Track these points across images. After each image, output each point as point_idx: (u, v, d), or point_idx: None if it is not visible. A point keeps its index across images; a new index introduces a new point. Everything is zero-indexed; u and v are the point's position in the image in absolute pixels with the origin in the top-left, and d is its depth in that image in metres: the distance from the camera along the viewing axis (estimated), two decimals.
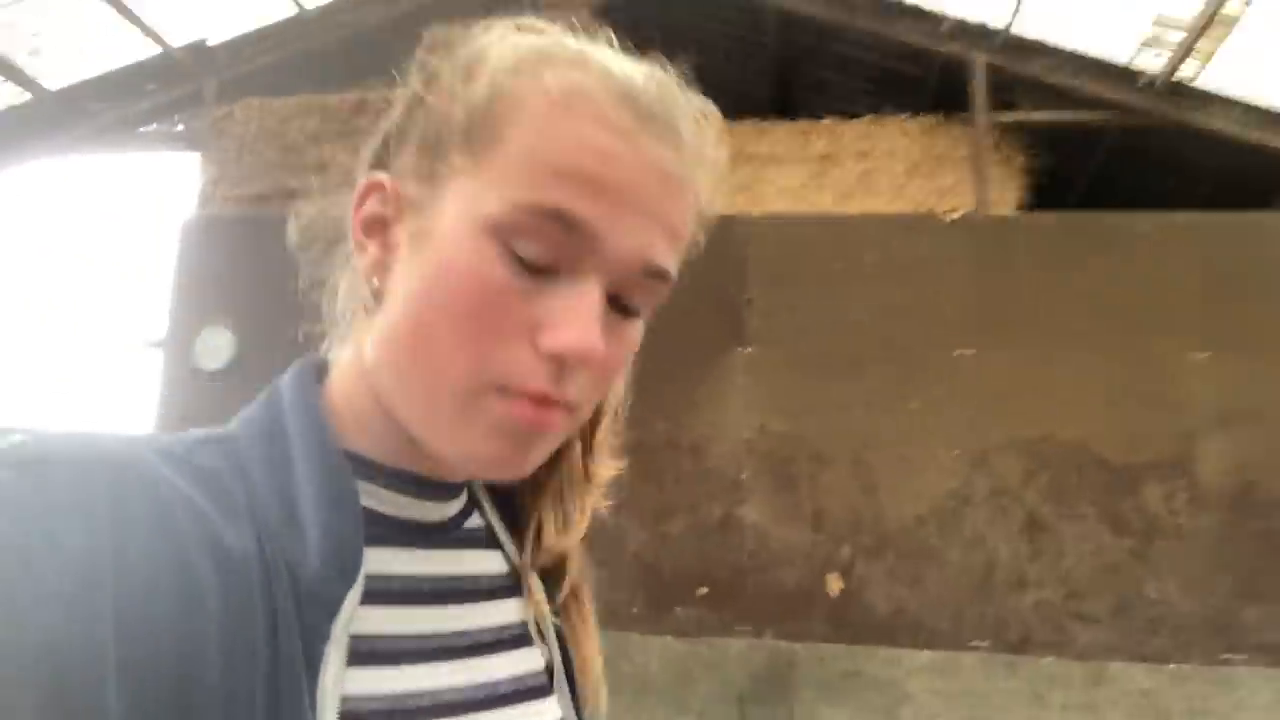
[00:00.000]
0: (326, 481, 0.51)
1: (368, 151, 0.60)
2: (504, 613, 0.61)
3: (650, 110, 0.51)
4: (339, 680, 0.48)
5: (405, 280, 0.52)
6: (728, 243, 5.64)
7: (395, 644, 0.53)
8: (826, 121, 5.97)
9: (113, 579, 0.41)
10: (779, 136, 6.14)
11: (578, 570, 0.66)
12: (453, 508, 0.61)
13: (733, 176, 6.13)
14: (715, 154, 0.56)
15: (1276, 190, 5.58)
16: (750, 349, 5.30)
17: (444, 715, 0.53)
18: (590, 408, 0.55)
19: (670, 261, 0.53)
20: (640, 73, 0.53)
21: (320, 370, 0.60)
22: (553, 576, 0.65)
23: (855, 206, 5.60)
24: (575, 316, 0.50)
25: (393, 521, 0.56)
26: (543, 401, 0.50)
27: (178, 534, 0.45)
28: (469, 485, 0.63)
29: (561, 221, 0.49)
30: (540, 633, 0.63)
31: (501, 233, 0.49)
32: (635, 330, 0.55)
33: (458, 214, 0.51)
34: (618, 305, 0.53)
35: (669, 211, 0.52)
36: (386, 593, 0.54)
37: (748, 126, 6.12)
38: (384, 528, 0.55)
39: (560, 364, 0.50)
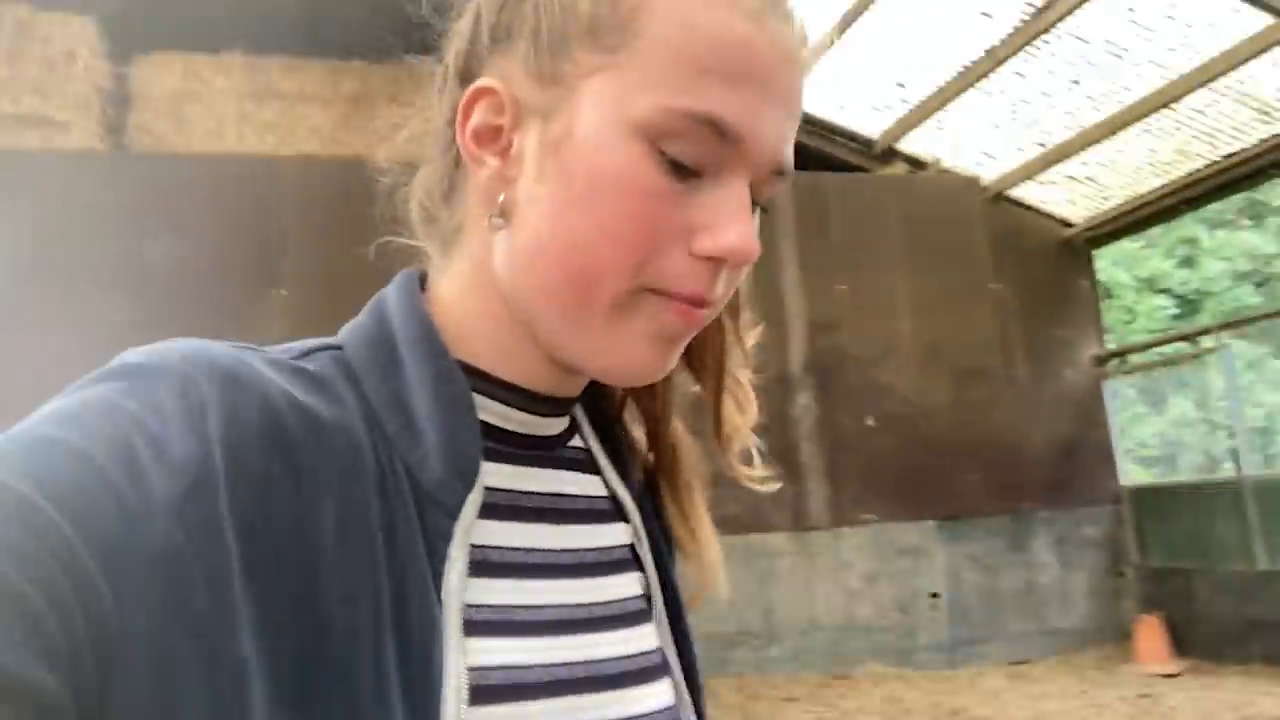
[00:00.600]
0: (441, 387, 0.51)
1: (451, 55, 0.57)
2: (606, 536, 0.60)
3: None
4: (462, 584, 0.48)
5: (544, 190, 0.51)
6: (260, 181, 5.68)
7: (505, 556, 0.53)
8: (357, 63, 6.06)
9: (225, 486, 0.41)
10: (310, 75, 6.16)
11: (691, 464, 0.67)
12: (558, 425, 0.60)
13: (262, 113, 6.13)
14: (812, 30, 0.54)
15: None
16: (284, 291, 5.43)
17: (548, 633, 0.53)
18: (720, 305, 0.54)
19: (792, 158, 0.53)
20: None
21: (423, 282, 0.59)
22: (666, 473, 0.66)
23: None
24: (732, 218, 0.50)
25: (500, 434, 0.56)
26: (698, 303, 0.51)
27: (289, 439, 0.45)
28: (570, 408, 0.61)
29: (714, 127, 0.48)
30: (638, 560, 0.62)
31: (651, 135, 0.48)
32: (757, 226, 0.54)
33: (600, 117, 0.49)
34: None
35: (796, 96, 0.52)
36: (500, 507, 0.54)
37: (275, 63, 6.06)
38: (495, 441, 0.55)
39: (717, 265, 0.50)
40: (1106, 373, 7.35)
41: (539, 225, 0.51)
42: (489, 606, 0.50)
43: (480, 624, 0.49)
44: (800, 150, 0.55)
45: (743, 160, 0.50)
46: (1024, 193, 7.35)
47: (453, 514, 0.49)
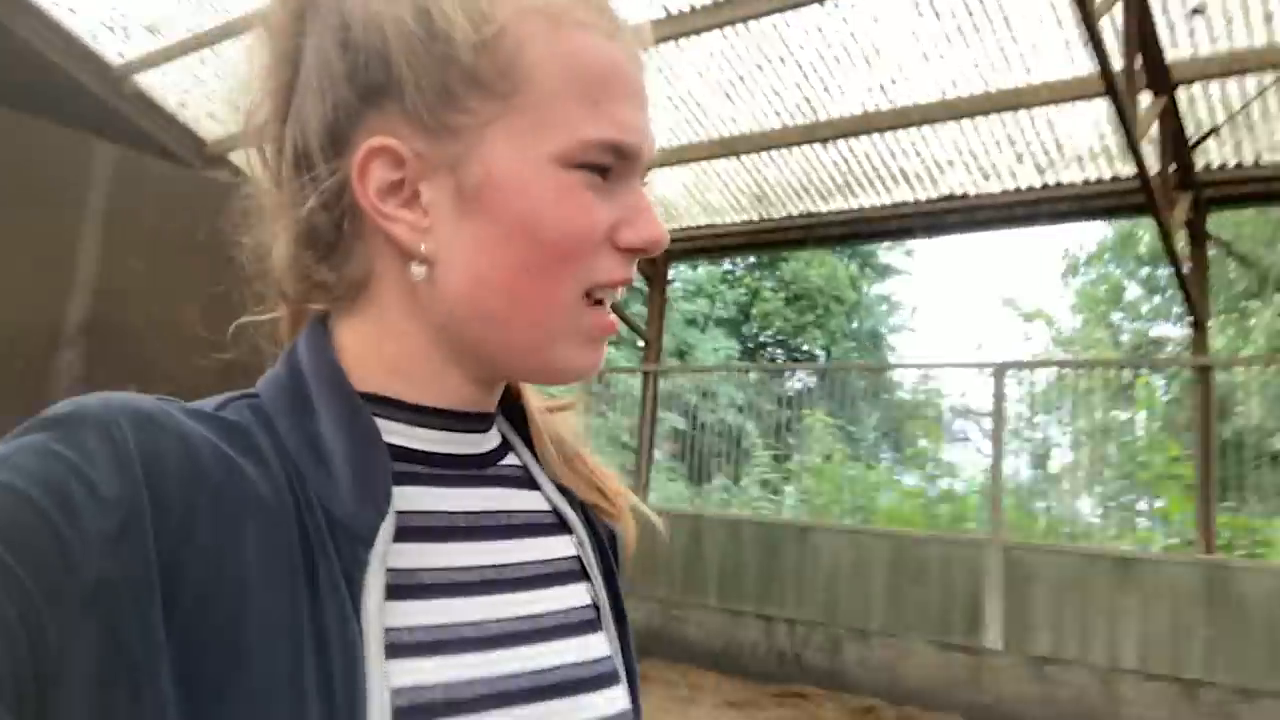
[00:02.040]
0: (349, 421, 0.53)
1: (300, 133, 0.56)
2: (550, 548, 0.61)
3: (603, 6, 0.56)
4: (380, 609, 0.49)
5: (471, 232, 0.53)
6: None
7: (434, 577, 0.54)
8: None
9: (150, 522, 0.43)
10: None
11: (570, 432, 0.69)
12: (486, 442, 0.62)
13: None
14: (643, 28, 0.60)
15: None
16: None
17: (490, 648, 0.54)
18: None
19: None
20: None
21: (328, 329, 0.59)
22: (555, 449, 0.67)
23: None
24: (646, 213, 0.56)
25: (426, 456, 0.57)
26: (622, 287, 0.58)
27: (207, 477, 0.46)
28: (499, 426, 0.64)
29: (618, 149, 0.54)
30: (585, 571, 0.63)
31: (568, 161, 0.53)
32: None
33: (516, 158, 0.53)
34: None
35: (645, 90, 0.58)
36: (423, 529, 0.55)
37: None
38: (417, 464, 0.57)
39: (634, 254, 0.57)
40: None
41: (473, 263, 0.54)
42: (414, 628, 0.51)
43: (409, 646, 0.50)
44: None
45: (637, 164, 0.57)
46: None
47: (367, 540, 0.50)
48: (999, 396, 6.17)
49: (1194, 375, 5.78)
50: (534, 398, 0.68)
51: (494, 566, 0.57)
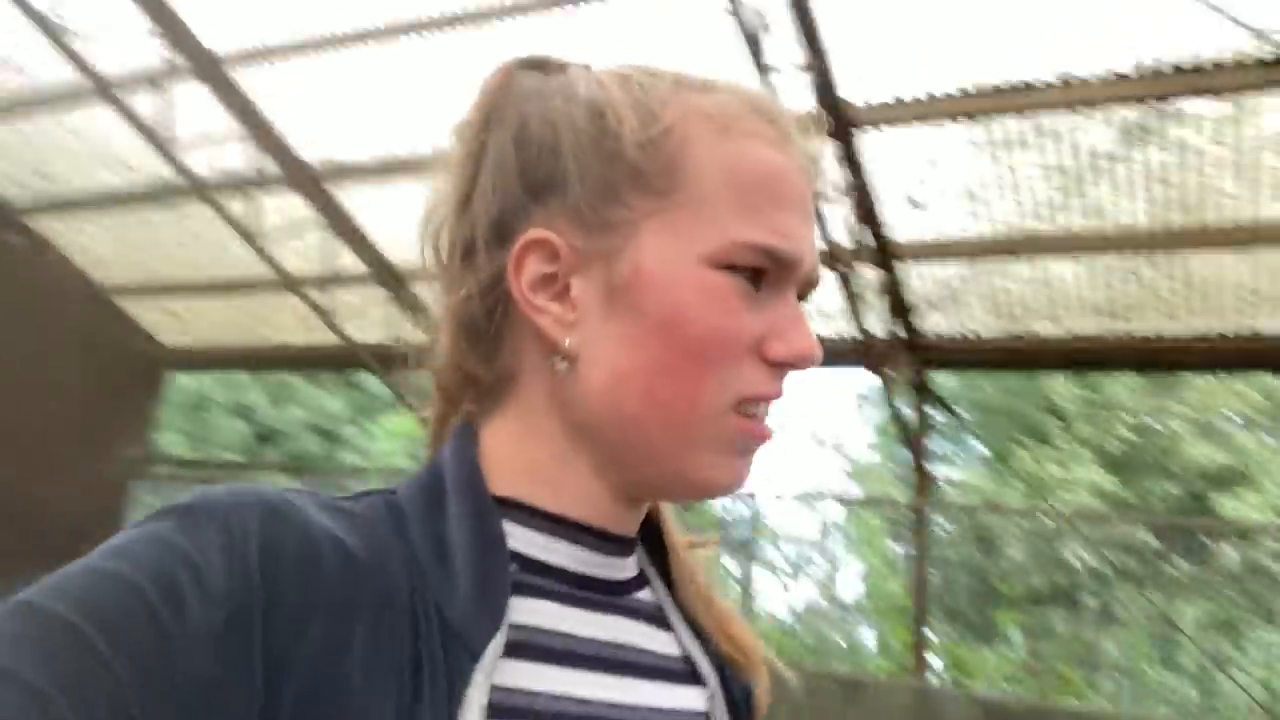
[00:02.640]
0: (474, 519, 0.52)
1: (472, 227, 0.57)
2: (674, 698, 0.57)
3: (777, 117, 0.56)
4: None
5: (616, 329, 0.53)
6: None
7: (543, 703, 0.51)
8: None
9: (259, 617, 0.43)
10: None
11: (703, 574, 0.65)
12: (622, 568, 0.59)
13: None
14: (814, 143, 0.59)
15: None
16: None
17: None
18: None
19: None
20: (745, 86, 0.57)
21: (476, 436, 0.59)
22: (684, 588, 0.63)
23: None
24: (796, 325, 0.55)
25: (558, 572, 0.55)
26: (769, 402, 0.55)
27: (324, 572, 0.46)
28: (637, 557, 0.61)
29: (772, 255, 0.53)
30: None
31: (720, 263, 0.53)
32: None
33: (667, 254, 0.53)
34: None
35: (813, 207, 0.58)
36: (542, 649, 0.52)
37: None
38: (548, 578, 0.55)
39: (784, 370, 0.55)
40: (142, 472, 8.08)
41: (616, 360, 0.53)
42: None
43: None
44: None
45: (793, 274, 0.55)
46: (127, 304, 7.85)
47: (475, 653, 0.48)
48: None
49: (914, 516, 6.41)
50: (676, 530, 0.65)
51: (610, 704, 0.54)
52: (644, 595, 0.61)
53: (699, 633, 0.61)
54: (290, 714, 0.43)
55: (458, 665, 0.48)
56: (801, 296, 0.58)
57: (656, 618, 0.60)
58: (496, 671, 0.49)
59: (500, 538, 0.53)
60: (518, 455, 0.57)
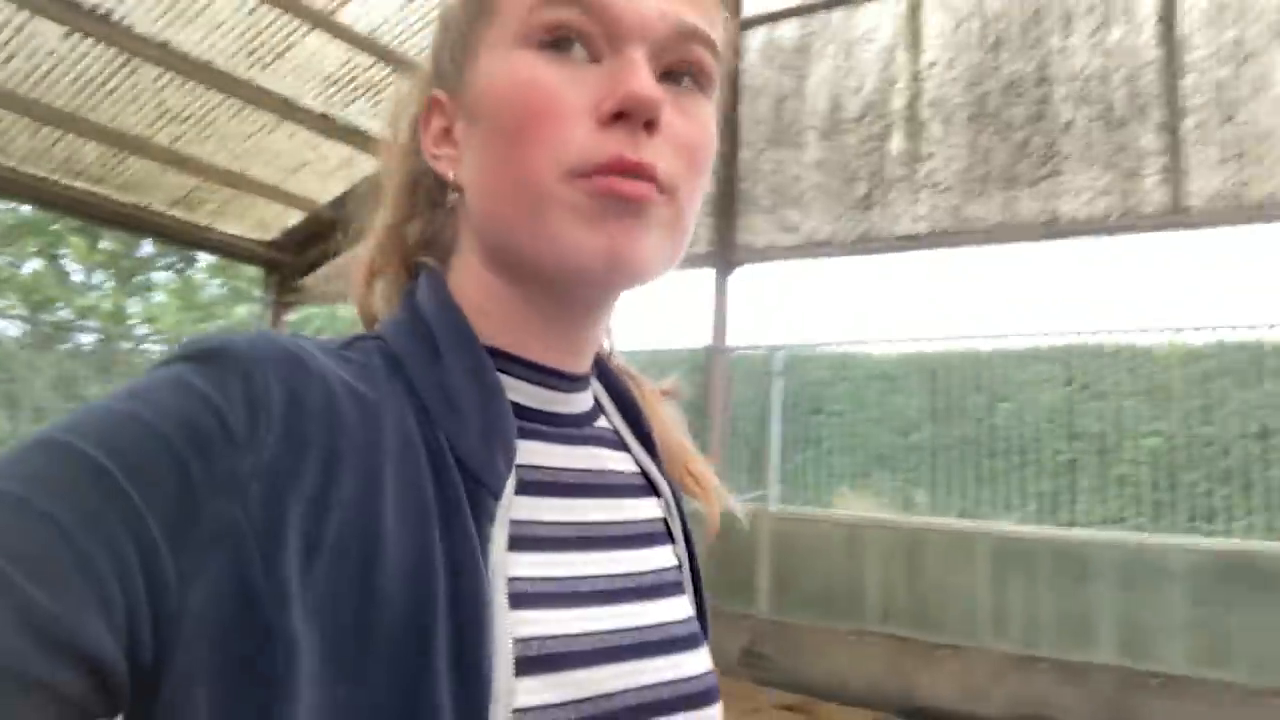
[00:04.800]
0: (477, 372, 0.54)
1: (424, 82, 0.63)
2: (642, 509, 0.63)
3: None
4: (503, 559, 0.49)
5: (475, 146, 0.55)
6: None
7: (548, 530, 0.55)
8: None
9: (287, 466, 0.43)
10: None
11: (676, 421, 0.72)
12: (582, 402, 0.62)
13: None
14: None
15: None
16: None
17: (599, 603, 0.55)
18: (689, 191, 0.54)
19: (707, 27, 0.54)
20: None
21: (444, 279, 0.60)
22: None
23: None
24: (627, 75, 0.51)
25: (533, 413, 0.58)
26: (624, 169, 0.50)
27: (347, 421, 0.47)
28: (593, 390, 0.64)
29: (581, 3, 0.51)
30: (670, 533, 0.65)
31: (527, 40, 0.52)
32: (703, 103, 0.55)
33: (491, 60, 0.54)
34: (672, 79, 0.54)
35: None
36: (535, 483, 0.55)
37: None
38: (527, 419, 0.57)
39: (627, 124, 0.51)
40: None
41: (477, 174, 0.55)
42: (533, 579, 0.52)
43: (527, 596, 0.51)
44: None
45: (628, 32, 0.51)
46: None
47: (496, 494, 0.51)
48: None
49: None
50: (642, 380, 0.71)
51: (596, 524, 0.58)
52: (602, 423, 0.65)
53: (652, 453, 0.67)
54: (324, 562, 0.43)
55: (483, 504, 0.50)
56: (676, 61, 0.54)
57: (615, 441, 0.65)
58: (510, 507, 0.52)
59: (500, 386, 0.55)
60: (482, 302, 0.58)
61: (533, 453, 0.57)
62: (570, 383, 0.61)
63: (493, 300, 0.58)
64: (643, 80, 0.51)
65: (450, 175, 0.58)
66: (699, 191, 0.56)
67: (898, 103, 6.30)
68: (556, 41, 0.52)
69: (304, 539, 0.43)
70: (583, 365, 0.62)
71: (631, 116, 0.51)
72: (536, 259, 0.54)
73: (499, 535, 0.50)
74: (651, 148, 0.52)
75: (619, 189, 0.51)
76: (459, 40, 0.58)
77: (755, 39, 6.93)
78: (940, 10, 6.23)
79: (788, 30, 6.81)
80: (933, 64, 6.20)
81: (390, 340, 0.56)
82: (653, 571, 0.61)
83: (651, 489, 0.65)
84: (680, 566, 0.64)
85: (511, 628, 0.48)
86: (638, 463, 0.65)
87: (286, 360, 0.47)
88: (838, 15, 6.60)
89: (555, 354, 0.59)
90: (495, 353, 0.57)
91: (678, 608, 0.61)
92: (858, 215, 6.34)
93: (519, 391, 0.58)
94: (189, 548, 0.39)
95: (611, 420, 0.66)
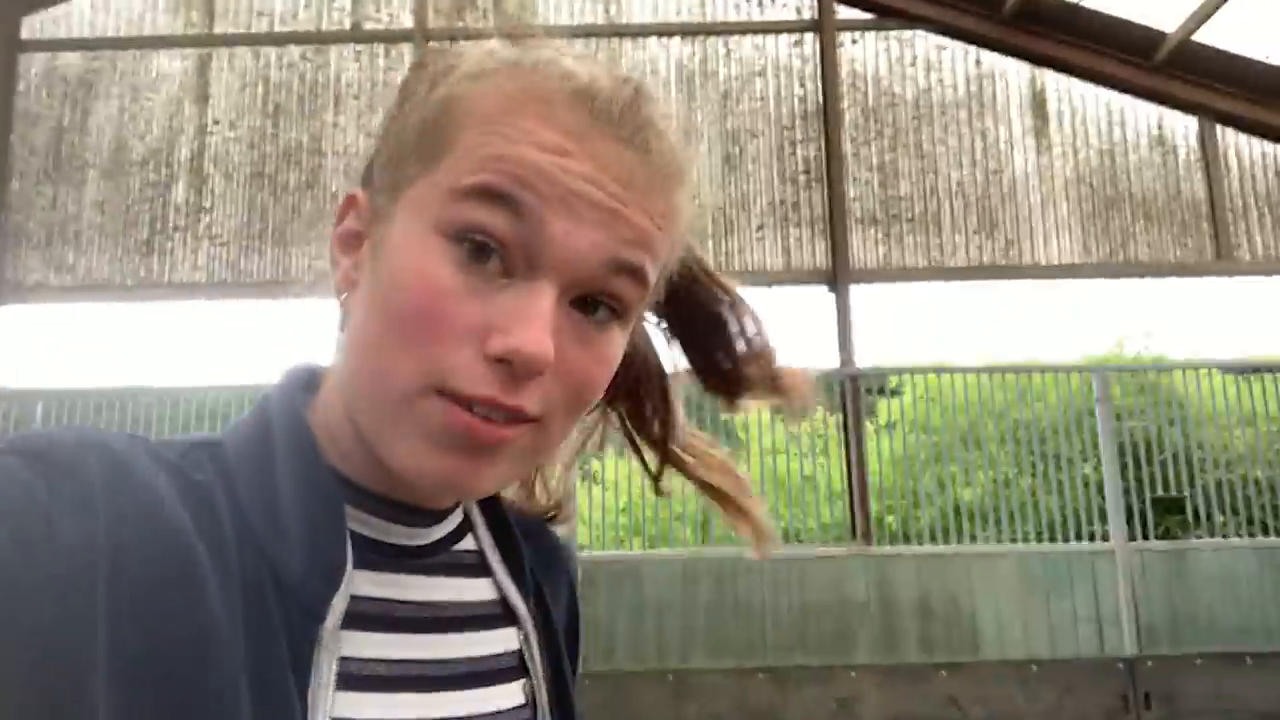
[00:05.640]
0: (309, 496, 0.51)
1: (360, 173, 0.58)
2: (488, 643, 0.58)
3: (608, 111, 0.49)
4: (328, 694, 0.47)
5: (365, 292, 0.52)
6: None
7: (379, 668, 0.52)
8: None
9: (108, 570, 0.42)
10: None
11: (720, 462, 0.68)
12: (435, 533, 0.58)
13: None
14: (688, 163, 0.54)
15: None
16: None
17: None
18: (564, 421, 0.51)
19: (641, 259, 0.50)
20: (609, 78, 0.51)
21: (313, 383, 0.58)
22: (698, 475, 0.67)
23: None
24: (522, 318, 0.46)
25: (373, 544, 0.55)
26: (491, 407, 0.47)
27: (173, 531, 0.45)
28: (465, 507, 0.61)
29: (502, 201, 0.47)
30: (526, 668, 0.60)
31: (449, 228, 0.48)
32: (611, 337, 0.51)
33: (410, 219, 0.50)
34: (588, 307, 0.50)
35: (631, 212, 0.49)
36: (369, 616, 0.52)
37: None
38: (365, 550, 0.54)
39: (509, 369, 0.47)
40: None
41: (356, 323, 0.52)
42: None
43: None
44: None
45: (552, 257, 0.48)
46: None
47: (318, 615, 0.48)
48: None
49: None
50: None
51: (435, 662, 0.54)
52: (465, 544, 0.60)
53: (518, 576, 0.62)
54: (129, 684, 0.41)
55: (302, 631, 0.48)
56: (595, 299, 0.50)
57: (473, 566, 0.60)
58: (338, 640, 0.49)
59: (338, 509, 0.52)
60: (328, 420, 0.55)
61: (367, 582, 0.53)
62: (425, 517, 0.57)
63: (345, 434, 0.54)
64: (536, 336, 0.46)
65: (341, 295, 0.55)
66: (575, 419, 0.53)
67: (183, 153, 6.49)
68: (476, 246, 0.48)
69: (111, 654, 0.41)
70: (441, 501, 0.58)
71: (514, 368, 0.47)
72: (376, 450, 0.51)
73: (324, 662, 0.48)
74: (533, 386, 0.48)
75: (476, 433, 0.47)
76: (396, 155, 0.53)
77: (37, 64, 6.57)
78: (228, 70, 6.58)
79: (73, 61, 6.59)
80: (218, 121, 6.52)
81: (229, 450, 0.53)
82: (490, 714, 0.56)
83: (509, 619, 0.60)
84: (532, 705, 0.59)
85: None
86: (499, 588, 0.60)
87: (113, 464, 0.46)
88: (128, 56, 6.59)
89: (404, 490, 0.55)
90: (340, 478, 0.54)
91: None
92: (138, 260, 6.38)
93: (357, 520, 0.54)
94: (6, 651, 0.39)
95: (479, 539, 0.61)
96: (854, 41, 6.26)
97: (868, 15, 6.28)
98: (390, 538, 0.56)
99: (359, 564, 0.52)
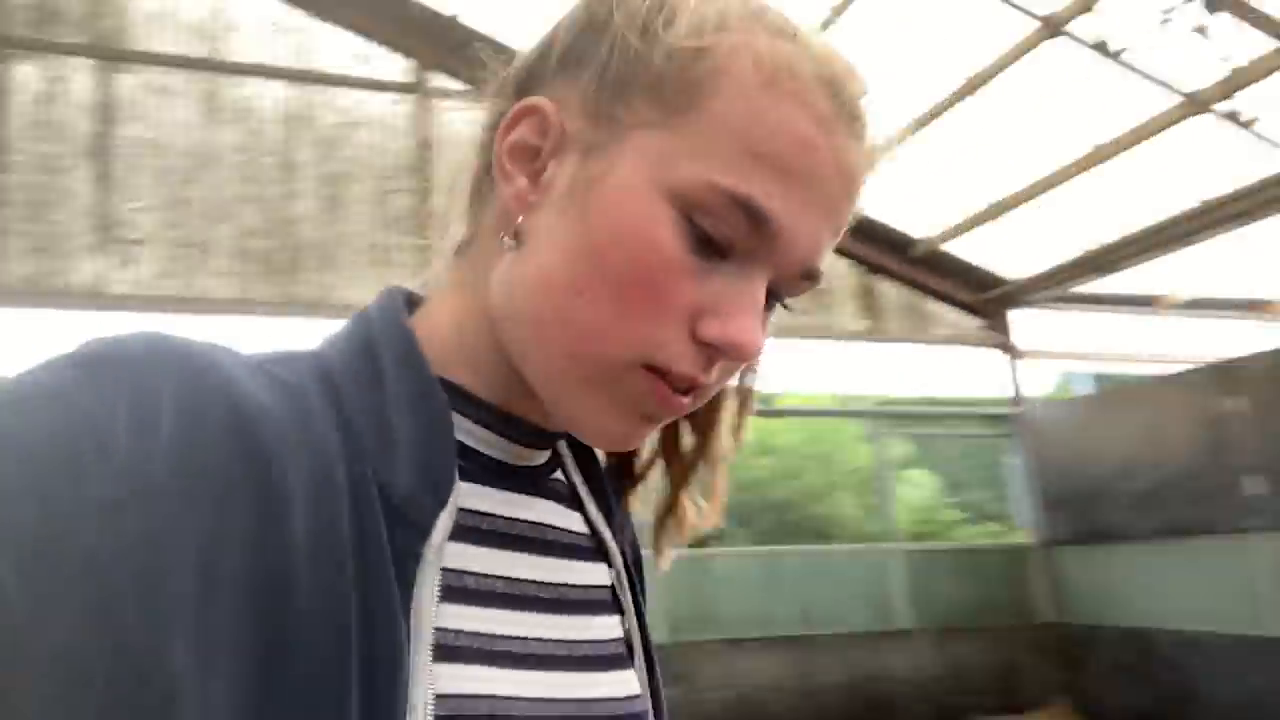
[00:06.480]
0: (421, 403, 0.49)
1: (514, 65, 0.56)
2: (588, 574, 0.58)
3: (849, 102, 0.49)
4: (431, 608, 0.46)
5: (563, 227, 0.49)
6: None
7: (485, 583, 0.51)
8: None
9: (176, 493, 0.38)
10: None
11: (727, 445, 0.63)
12: (541, 456, 0.58)
13: None
14: (884, 157, 0.52)
15: None
16: None
17: (533, 667, 0.51)
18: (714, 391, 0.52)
19: (826, 259, 0.51)
20: (840, 58, 0.50)
21: (411, 298, 0.58)
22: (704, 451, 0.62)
23: None
24: (740, 310, 0.48)
25: (481, 458, 0.54)
26: (689, 388, 0.49)
27: (253, 446, 0.41)
28: (554, 441, 0.59)
29: (751, 213, 0.46)
30: (619, 603, 0.60)
31: (685, 204, 0.46)
32: (768, 324, 0.53)
33: (638, 170, 0.47)
34: (769, 296, 0.51)
35: (842, 211, 0.50)
36: (474, 530, 0.51)
37: None
38: (473, 463, 0.53)
39: (715, 353, 0.48)
40: None
41: (550, 260, 0.49)
42: (466, 633, 0.48)
43: (457, 649, 0.47)
44: None
45: (771, 255, 0.48)
46: None
47: (423, 532, 0.46)
48: None
49: None
50: None
51: (537, 583, 0.54)
52: (558, 476, 0.61)
53: (609, 516, 0.62)
54: (228, 598, 0.39)
55: (406, 544, 0.46)
56: (776, 294, 0.52)
57: (569, 498, 0.61)
58: (444, 553, 0.48)
59: (447, 420, 0.50)
60: (453, 331, 0.55)
61: (473, 497, 0.52)
62: (534, 436, 0.57)
63: (479, 346, 0.54)
64: (752, 327, 0.48)
65: (519, 218, 0.51)
66: None
67: None
68: (711, 242, 0.47)
69: (197, 576, 0.38)
70: (560, 425, 0.56)
71: (723, 355, 0.49)
72: (547, 396, 0.51)
73: (427, 578, 0.46)
74: (721, 369, 0.50)
75: (671, 404, 0.49)
76: (619, 84, 0.49)
77: None
78: None
79: None
80: None
81: (329, 359, 0.51)
82: (595, 641, 0.56)
83: (602, 554, 0.61)
84: (628, 641, 0.60)
85: (434, 683, 0.45)
86: (590, 524, 0.61)
87: (189, 373, 0.42)
88: None
89: (525, 404, 0.55)
90: (452, 389, 0.53)
91: (621, 682, 0.57)
92: None
93: (471, 435, 0.54)
94: (43, 581, 0.34)
95: (570, 476, 0.62)
96: (450, 108, 6.94)
97: (461, 85, 6.99)
98: (503, 455, 0.55)
99: (470, 477, 0.52)
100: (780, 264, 0.49)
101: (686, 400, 0.50)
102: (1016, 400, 7.27)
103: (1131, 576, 5.62)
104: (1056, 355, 7.67)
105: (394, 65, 6.89)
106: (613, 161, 0.48)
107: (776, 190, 0.47)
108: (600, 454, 0.65)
